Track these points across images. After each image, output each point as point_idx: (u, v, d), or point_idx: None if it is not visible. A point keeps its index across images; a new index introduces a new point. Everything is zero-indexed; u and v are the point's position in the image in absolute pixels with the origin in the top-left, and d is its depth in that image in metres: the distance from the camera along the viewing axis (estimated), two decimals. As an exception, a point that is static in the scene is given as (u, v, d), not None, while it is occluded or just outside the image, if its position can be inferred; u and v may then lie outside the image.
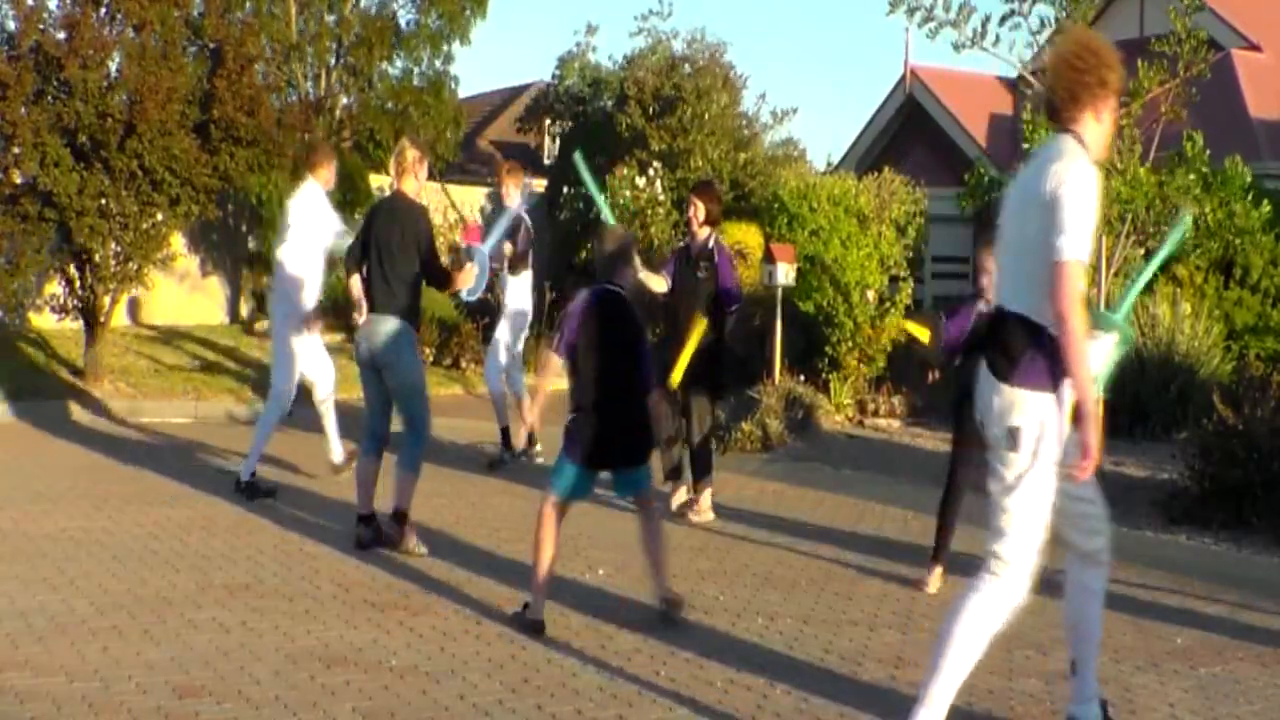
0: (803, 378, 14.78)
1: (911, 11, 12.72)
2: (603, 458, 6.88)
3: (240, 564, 7.94)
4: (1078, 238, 4.70)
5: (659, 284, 9.71)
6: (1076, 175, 4.77)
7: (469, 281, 9.11)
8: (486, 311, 14.33)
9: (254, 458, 10.21)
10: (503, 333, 11.92)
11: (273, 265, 10.67)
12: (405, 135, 9.33)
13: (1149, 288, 14.18)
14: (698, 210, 9.72)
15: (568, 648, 6.41)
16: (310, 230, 10.28)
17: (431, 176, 22.64)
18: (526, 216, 11.86)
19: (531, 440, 11.80)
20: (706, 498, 9.61)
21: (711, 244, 9.73)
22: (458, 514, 9.66)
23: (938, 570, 7.81)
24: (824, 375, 15.34)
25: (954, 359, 7.82)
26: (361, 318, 8.51)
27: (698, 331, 9.07)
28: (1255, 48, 20.61)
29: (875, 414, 14.83)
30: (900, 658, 6.38)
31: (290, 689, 5.70)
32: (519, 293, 11.93)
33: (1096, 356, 5.21)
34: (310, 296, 10.31)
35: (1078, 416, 4.75)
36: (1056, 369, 4.76)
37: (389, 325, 8.39)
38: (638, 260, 7.96)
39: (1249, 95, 19.63)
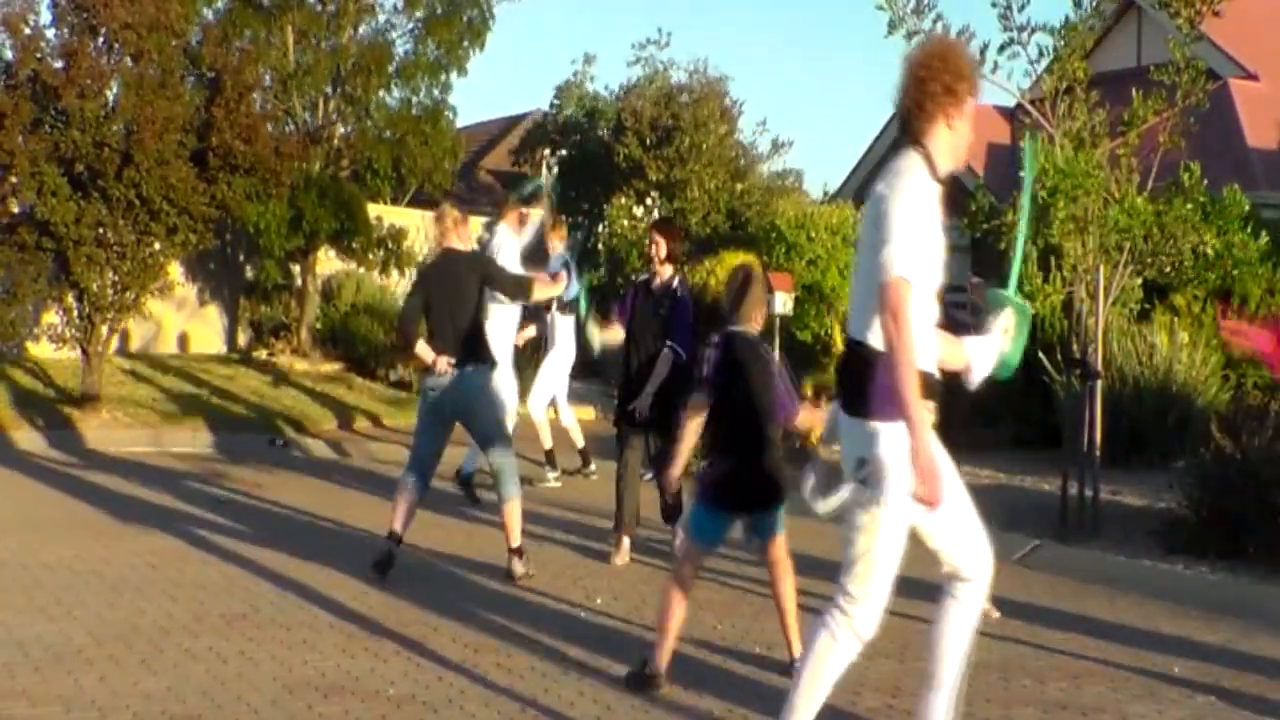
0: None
1: (910, 36, 12.73)
2: (739, 501, 6.54)
3: (237, 593, 7.92)
4: (903, 254, 4.44)
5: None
6: (905, 191, 4.56)
7: (558, 290, 9.61)
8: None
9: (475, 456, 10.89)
10: (553, 368, 12.92)
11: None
12: (445, 201, 9.64)
13: (1145, 315, 14.22)
14: (659, 247, 9.48)
15: (565, 677, 6.40)
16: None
17: (429, 205, 22.74)
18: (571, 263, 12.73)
19: (586, 460, 13.10)
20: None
21: (675, 284, 9.49)
22: (458, 543, 9.64)
23: None
24: (822, 405, 15.32)
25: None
26: (442, 369, 8.49)
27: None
28: (1252, 77, 20.69)
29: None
30: (898, 686, 6.36)
31: (288, 718, 5.68)
32: (567, 332, 12.91)
33: (988, 346, 4.99)
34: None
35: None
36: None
37: (477, 377, 8.60)
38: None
39: (1246, 125, 19.71)
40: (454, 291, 8.61)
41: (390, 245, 20.16)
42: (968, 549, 4.89)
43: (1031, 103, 12.30)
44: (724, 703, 6.05)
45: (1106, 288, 10.84)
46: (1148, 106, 12.04)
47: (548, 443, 12.72)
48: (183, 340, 19.87)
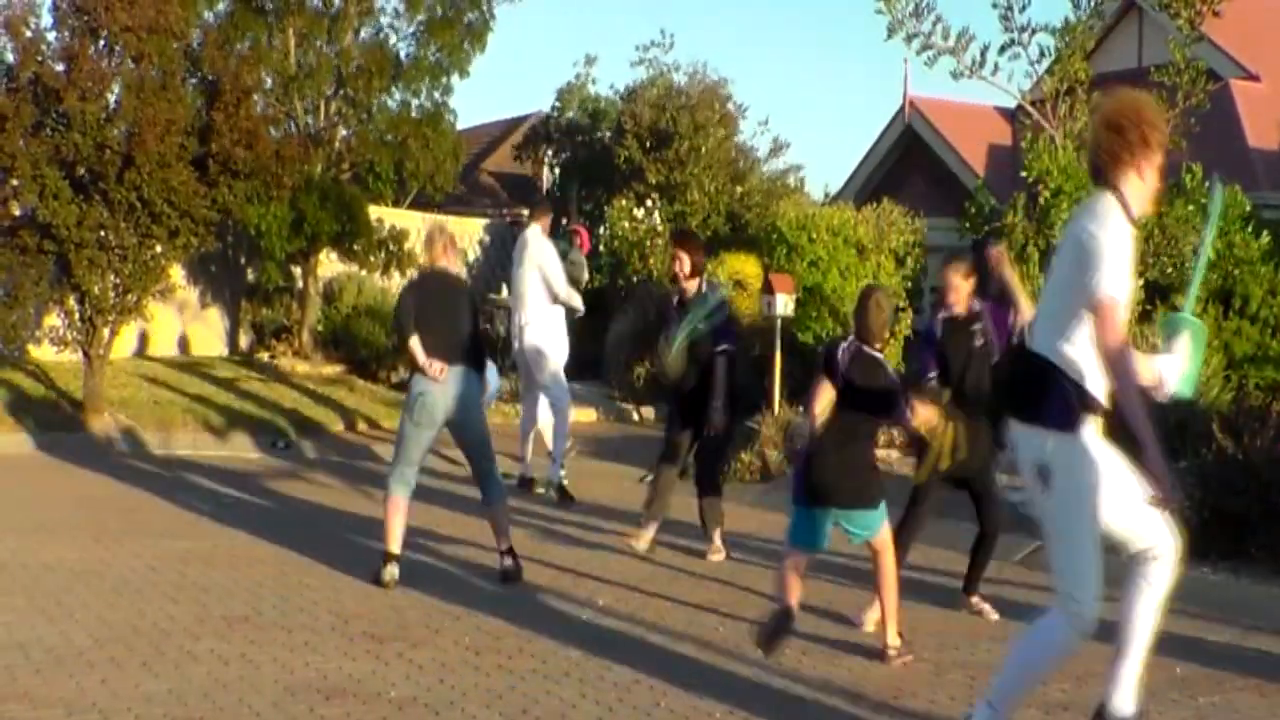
0: (801, 408, 14.73)
1: (910, 38, 12.73)
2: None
3: (239, 596, 7.92)
4: (1113, 277, 4.79)
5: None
6: (1111, 228, 4.88)
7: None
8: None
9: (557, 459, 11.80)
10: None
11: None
12: (435, 226, 9.75)
13: (1146, 316, 14.21)
14: (683, 263, 9.71)
15: (566, 678, 6.40)
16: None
17: (430, 207, 22.77)
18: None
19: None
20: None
21: (706, 291, 9.75)
22: (459, 545, 9.64)
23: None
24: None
25: (932, 385, 7.90)
26: (436, 373, 8.44)
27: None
28: (1253, 78, 20.67)
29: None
30: (900, 688, 6.37)
31: (288, 721, 5.69)
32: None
33: (1171, 367, 5.28)
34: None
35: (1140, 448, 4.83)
36: (1079, 407, 4.91)
37: (469, 381, 8.56)
38: None
39: (1247, 125, 19.68)
40: (446, 305, 8.58)
41: (392, 247, 20.15)
42: (1151, 531, 5.22)
43: (1033, 104, 12.30)
44: (724, 704, 6.05)
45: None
46: (1151, 110, 12.01)
47: (549, 445, 12.71)
48: (184, 343, 19.86)
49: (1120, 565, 5.26)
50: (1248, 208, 16.09)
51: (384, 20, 21.24)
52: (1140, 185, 5.03)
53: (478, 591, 8.22)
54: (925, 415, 7.07)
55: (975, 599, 8.05)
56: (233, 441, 14.80)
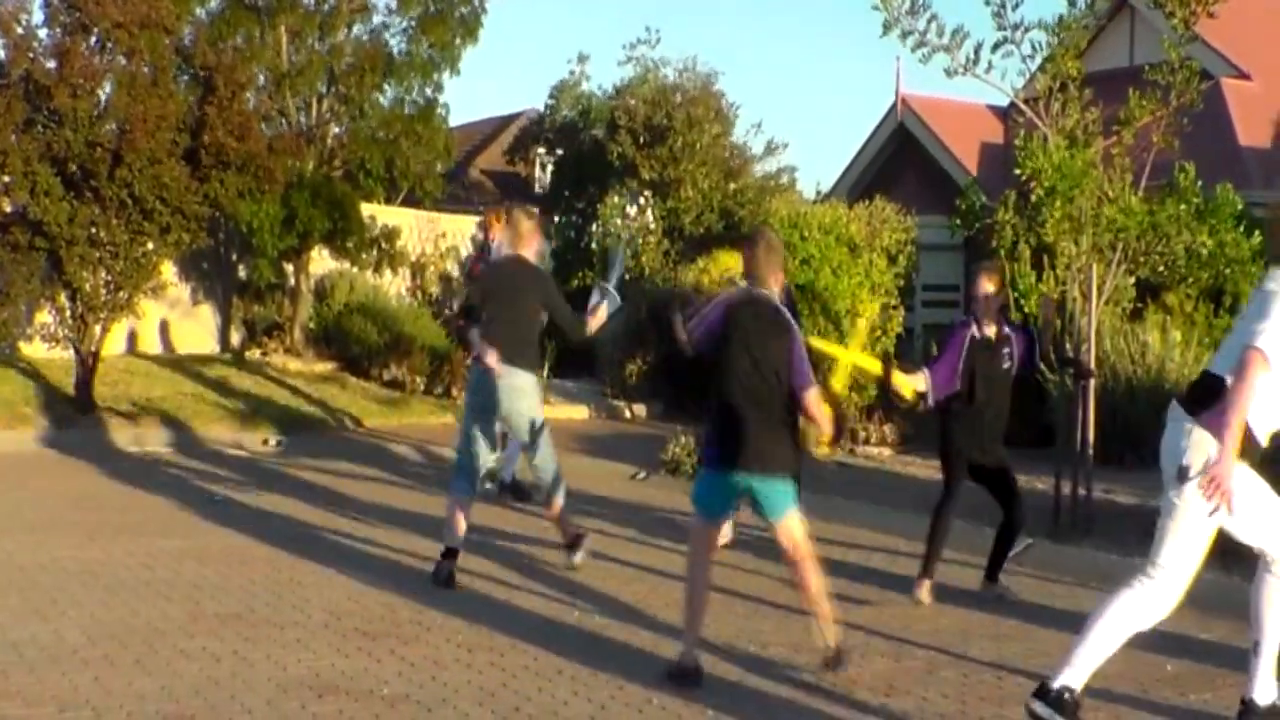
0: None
1: (905, 35, 12.74)
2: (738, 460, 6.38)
3: (232, 593, 7.92)
4: (1272, 335, 5.24)
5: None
6: None
7: (602, 320, 9.21)
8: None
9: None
10: None
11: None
12: (520, 206, 9.69)
13: (1138, 314, 14.27)
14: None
15: (559, 676, 6.40)
16: None
17: (422, 204, 22.75)
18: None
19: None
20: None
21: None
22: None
23: (926, 584, 8.03)
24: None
25: (940, 399, 7.96)
26: (494, 364, 8.43)
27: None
28: (1245, 76, 20.70)
29: (866, 442, 14.81)
30: (892, 685, 6.37)
31: (282, 718, 5.69)
32: None
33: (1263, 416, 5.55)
34: None
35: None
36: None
37: (521, 379, 8.54)
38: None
39: (1239, 124, 19.72)
40: (513, 297, 8.58)
41: (383, 245, 20.15)
42: (1274, 539, 5.67)
43: (1025, 101, 12.31)
44: (715, 701, 6.06)
45: (1100, 287, 10.85)
46: (1143, 107, 12.04)
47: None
48: (175, 340, 19.85)
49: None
50: (1239, 206, 16.13)
51: (376, 18, 21.25)
52: None
53: (470, 589, 8.22)
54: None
55: (998, 583, 8.30)
56: (224, 439, 14.79)
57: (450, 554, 8.38)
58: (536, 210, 10.75)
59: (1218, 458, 5.22)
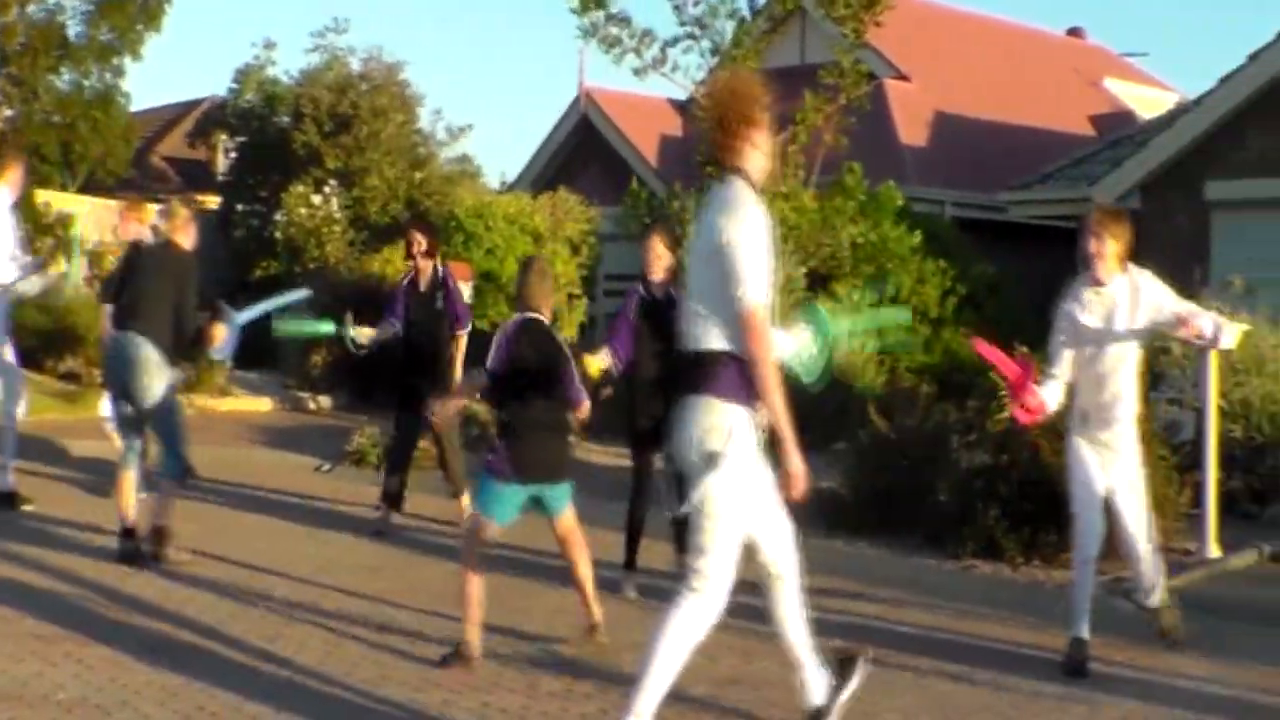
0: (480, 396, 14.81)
1: (611, 45, 13.26)
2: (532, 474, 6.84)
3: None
4: (755, 283, 5.00)
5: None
6: (746, 224, 5.03)
7: (217, 340, 9.11)
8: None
9: None
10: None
11: None
12: (179, 198, 9.67)
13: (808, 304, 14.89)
14: (420, 243, 9.95)
15: (241, 670, 6.36)
16: None
17: (102, 192, 21.97)
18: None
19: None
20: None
21: (442, 273, 10.08)
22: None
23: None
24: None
25: (628, 370, 8.11)
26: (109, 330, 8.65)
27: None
28: (904, 78, 21.79)
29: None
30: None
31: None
32: None
33: (788, 344, 5.63)
34: None
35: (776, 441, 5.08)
36: (748, 388, 5.08)
37: (148, 351, 8.54)
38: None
39: (900, 123, 20.76)
40: (155, 278, 8.75)
41: (59, 233, 19.43)
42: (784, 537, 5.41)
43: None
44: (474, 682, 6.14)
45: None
46: (818, 110, 12.64)
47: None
48: None
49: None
50: (900, 202, 17.00)
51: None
52: (759, 156, 5.19)
53: (153, 586, 8.03)
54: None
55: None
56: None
57: (128, 534, 8.53)
58: (195, 199, 10.72)
59: (781, 446, 5.09)
